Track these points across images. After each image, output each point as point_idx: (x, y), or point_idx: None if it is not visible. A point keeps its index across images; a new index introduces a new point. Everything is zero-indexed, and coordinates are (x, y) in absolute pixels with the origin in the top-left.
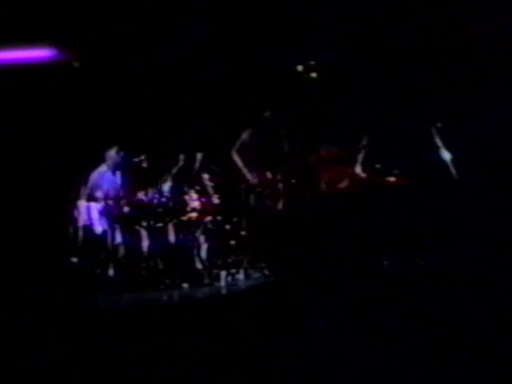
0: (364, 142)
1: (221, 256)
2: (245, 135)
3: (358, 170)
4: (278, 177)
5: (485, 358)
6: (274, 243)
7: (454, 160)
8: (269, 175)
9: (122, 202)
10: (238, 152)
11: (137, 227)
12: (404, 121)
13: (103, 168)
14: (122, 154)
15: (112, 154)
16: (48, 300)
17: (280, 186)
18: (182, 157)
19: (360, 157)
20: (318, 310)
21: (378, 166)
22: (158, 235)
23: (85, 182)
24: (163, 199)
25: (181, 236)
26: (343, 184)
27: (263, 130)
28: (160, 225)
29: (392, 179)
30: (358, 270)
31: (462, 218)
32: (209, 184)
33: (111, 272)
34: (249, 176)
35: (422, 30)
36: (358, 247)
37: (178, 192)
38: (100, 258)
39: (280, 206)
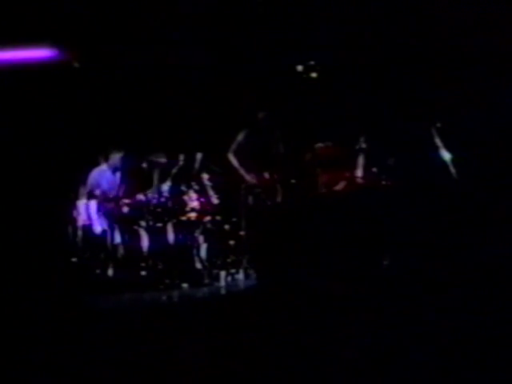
0: (363, 143)
1: (220, 256)
2: (240, 137)
3: (357, 171)
4: (278, 177)
5: (486, 359)
6: (272, 243)
7: (454, 160)
8: (268, 176)
9: (122, 201)
10: (235, 153)
11: (136, 227)
12: (404, 121)
13: (103, 168)
14: (121, 153)
15: (112, 153)
16: (48, 300)
17: (279, 186)
18: (181, 157)
19: (359, 157)
20: (318, 310)
21: (377, 166)
22: (157, 235)
23: (84, 181)
24: (163, 199)
25: (180, 236)
26: (342, 185)
27: (261, 130)
28: (160, 225)
29: (391, 180)
30: (358, 271)
31: (462, 217)
32: (209, 184)
33: (111, 272)
34: (247, 177)
35: (422, 29)
36: (358, 248)
37: (177, 192)
38: (100, 257)
39: (279, 206)
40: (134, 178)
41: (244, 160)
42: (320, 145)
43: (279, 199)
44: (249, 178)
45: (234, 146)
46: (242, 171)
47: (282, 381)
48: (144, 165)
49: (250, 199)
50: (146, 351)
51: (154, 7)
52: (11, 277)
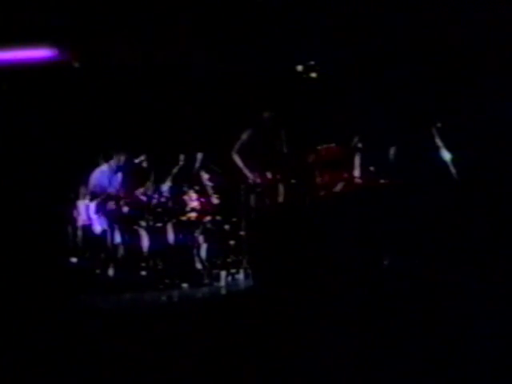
0: (364, 143)
1: (221, 256)
2: (244, 136)
3: (357, 171)
4: (278, 177)
5: (488, 359)
6: (272, 243)
7: (453, 160)
8: (269, 175)
9: (122, 201)
10: (238, 153)
11: (136, 227)
12: (404, 121)
13: (103, 167)
14: (122, 153)
15: (112, 153)
16: (47, 300)
17: (280, 185)
18: (181, 157)
19: (360, 158)
20: (318, 310)
21: (376, 166)
22: (157, 235)
23: (85, 181)
24: (163, 199)
25: (180, 236)
26: (343, 185)
27: (262, 131)
28: (160, 225)
29: (392, 180)
30: (357, 271)
31: (462, 218)
32: (209, 184)
33: (111, 272)
34: (250, 176)
35: (422, 29)
36: (358, 248)
37: (177, 192)
38: (100, 257)
39: (280, 206)
40: (134, 178)
41: (248, 159)
42: (322, 145)
43: (280, 199)
44: (252, 177)
45: (237, 146)
46: (246, 171)
47: (282, 380)
48: (144, 165)
49: (251, 199)
50: (146, 351)
51: (154, 7)
52: (11, 276)
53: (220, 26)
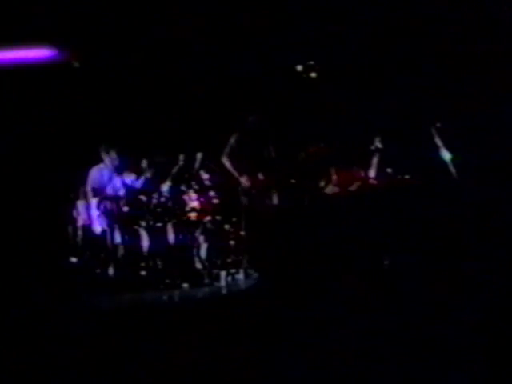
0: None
1: (221, 256)
2: (232, 140)
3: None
4: (277, 178)
5: (488, 360)
6: (272, 243)
7: (456, 160)
8: (268, 176)
9: (122, 201)
10: (228, 157)
11: (136, 227)
12: (404, 121)
13: (103, 168)
14: (121, 153)
15: (112, 153)
16: (47, 300)
17: (280, 186)
18: (181, 157)
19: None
20: (319, 310)
21: (378, 167)
22: (157, 235)
23: (84, 181)
24: (163, 199)
25: (180, 236)
26: (344, 185)
27: (255, 132)
28: (160, 225)
29: (393, 181)
30: (358, 271)
31: (465, 218)
32: (209, 184)
33: (111, 272)
34: (241, 180)
35: (422, 29)
36: (358, 247)
37: (177, 192)
38: (100, 257)
39: (279, 206)
40: (134, 177)
41: (238, 163)
42: (320, 146)
43: (280, 200)
44: (243, 180)
45: (226, 150)
46: (236, 174)
47: (282, 380)
48: (144, 165)
49: (250, 199)
50: (146, 351)
51: (153, 8)
52: (11, 276)
53: (220, 26)
